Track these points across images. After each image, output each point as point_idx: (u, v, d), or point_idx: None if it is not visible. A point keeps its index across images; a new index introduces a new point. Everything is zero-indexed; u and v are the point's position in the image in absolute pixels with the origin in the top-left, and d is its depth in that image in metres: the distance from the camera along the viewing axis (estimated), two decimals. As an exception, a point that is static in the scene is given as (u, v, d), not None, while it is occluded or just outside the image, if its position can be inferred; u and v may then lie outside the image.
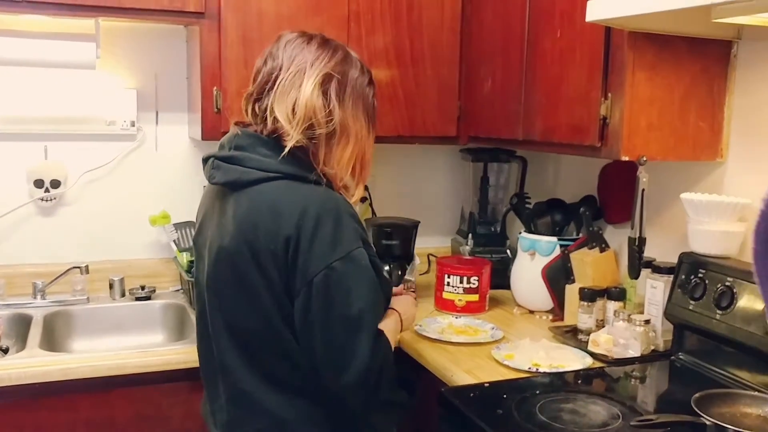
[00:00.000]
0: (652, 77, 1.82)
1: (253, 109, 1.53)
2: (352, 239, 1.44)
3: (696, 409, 1.46)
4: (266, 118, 1.48)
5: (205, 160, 1.57)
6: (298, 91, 1.46)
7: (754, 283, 1.66)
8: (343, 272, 1.41)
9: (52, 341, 2.23)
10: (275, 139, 1.48)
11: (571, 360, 1.91)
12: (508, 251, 2.72)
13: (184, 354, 1.97)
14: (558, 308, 2.33)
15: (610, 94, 1.85)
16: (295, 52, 1.50)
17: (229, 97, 2.24)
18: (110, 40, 2.43)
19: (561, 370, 1.85)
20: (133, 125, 2.50)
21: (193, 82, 2.44)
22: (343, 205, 1.47)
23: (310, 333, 1.43)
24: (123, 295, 2.47)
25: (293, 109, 1.45)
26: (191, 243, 2.53)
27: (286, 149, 1.44)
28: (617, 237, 2.36)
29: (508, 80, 2.27)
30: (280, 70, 1.49)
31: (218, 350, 1.53)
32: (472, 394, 1.68)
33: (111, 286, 2.46)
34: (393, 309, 1.67)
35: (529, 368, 1.85)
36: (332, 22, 2.31)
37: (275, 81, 1.48)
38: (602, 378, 1.83)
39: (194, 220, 2.51)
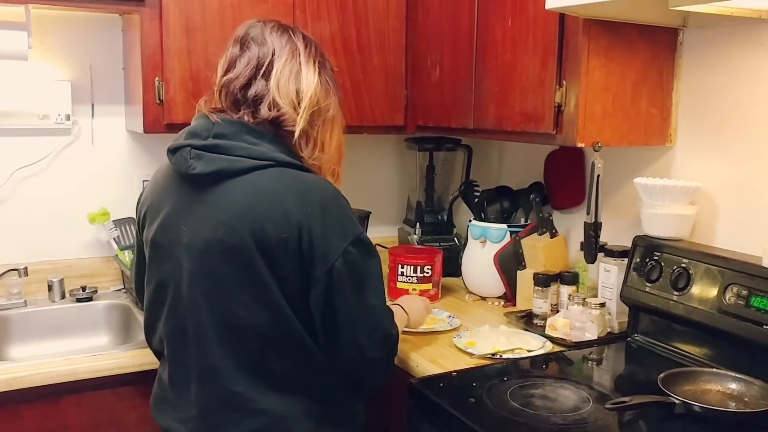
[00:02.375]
0: (606, 64, 1.85)
1: (239, 96, 1.47)
2: (356, 223, 1.48)
3: (663, 389, 1.50)
4: (259, 105, 1.45)
5: (174, 150, 1.47)
6: (298, 78, 1.46)
7: (708, 264, 1.72)
8: (357, 255, 1.44)
9: (-12, 349, 2.11)
10: (266, 127, 1.45)
11: (532, 345, 1.93)
12: (455, 239, 2.74)
13: (138, 356, 1.90)
14: (510, 294, 2.35)
15: (564, 82, 1.87)
16: (284, 38, 1.49)
17: (172, 87, 2.16)
18: (41, 29, 2.31)
19: (523, 355, 1.87)
20: (68, 119, 2.38)
21: (131, 73, 2.34)
22: (338, 191, 1.48)
23: (335, 317, 1.43)
24: (63, 296, 2.36)
25: (298, 96, 1.45)
26: (133, 241, 2.45)
27: (296, 136, 1.45)
28: (565, 222, 2.41)
29: (457, 68, 2.26)
30: (273, 55, 1.46)
31: (201, 353, 1.45)
32: (441, 384, 1.68)
33: (50, 288, 2.34)
34: (397, 304, 1.80)
35: (493, 355, 1.86)
36: (278, 9, 2.25)
37: (270, 67, 1.45)
38: (564, 362, 1.86)
39: (133, 216, 2.47)
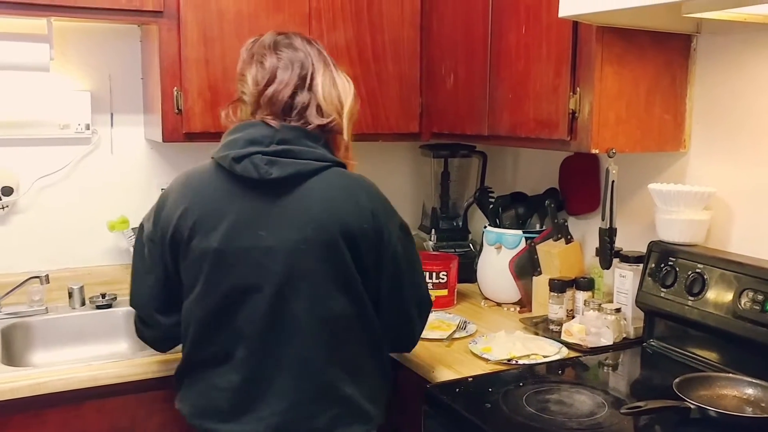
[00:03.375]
0: (619, 71, 1.86)
1: (288, 104, 1.55)
2: (396, 211, 1.68)
3: (679, 394, 1.51)
4: (306, 111, 1.55)
5: (240, 158, 1.50)
6: (336, 86, 1.59)
7: (723, 269, 1.73)
8: (406, 239, 1.66)
9: (10, 355, 2.13)
10: (316, 131, 1.56)
11: (547, 350, 1.94)
12: (471, 245, 2.75)
13: (157, 363, 1.92)
14: (526, 300, 2.36)
15: (578, 89, 1.88)
16: (314, 49, 1.61)
17: (190, 97, 2.19)
18: (62, 41, 2.35)
19: (539, 361, 1.88)
20: (88, 128, 2.42)
21: (149, 83, 2.38)
22: None
23: (400, 297, 1.64)
24: (83, 303, 2.39)
25: (340, 103, 1.59)
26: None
27: (346, 139, 1.61)
28: (580, 228, 2.41)
29: (471, 76, 2.28)
30: (313, 65, 1.58)
31: (296, 349, 1.53)
32: (457, 389, 1.69)
33: (70, 295, 2.37)
34: None
35: (509, 360, 1.87)
36: (293, 19, 2.28)
37: (313, 76, 1.57)
38: (580, 367, 1.87)
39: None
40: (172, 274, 1.60)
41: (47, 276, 2.30)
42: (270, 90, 1.55)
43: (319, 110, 1.56)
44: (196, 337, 1.59)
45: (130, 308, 2.32)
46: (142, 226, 1.67)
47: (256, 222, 1.52)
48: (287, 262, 1.51)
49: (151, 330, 1.72)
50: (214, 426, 1.57)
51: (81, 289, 2.39)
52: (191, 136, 2.22)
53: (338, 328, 1.56)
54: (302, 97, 1.55)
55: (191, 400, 1.63)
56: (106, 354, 2.25)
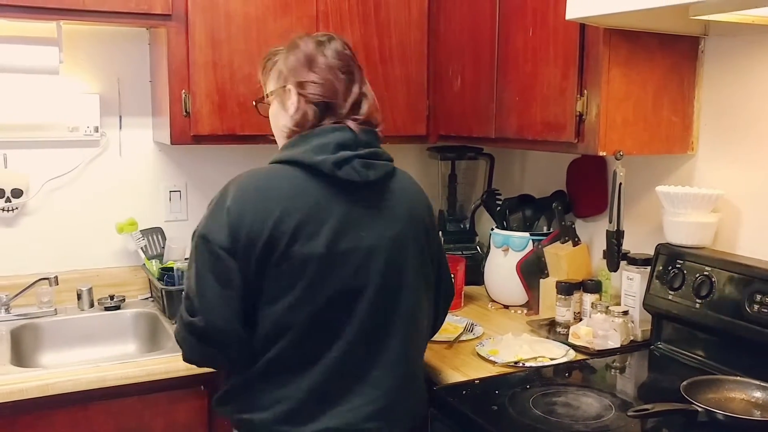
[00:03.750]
0: (626, 73, 1.86)
1: (358, 106, 1.60)
2: None
3: (687, 397, 1.50)
4: (370, 115, 1.61)
5: (340, 163, 1.51)
6: (369, 89, 1.65)
7: (731, 272, 1.72)
8: None
9: (19, 356, 2.15)
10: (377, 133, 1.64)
11: (554, 353, 1.94)
12: (478, 247, 2.75)
13: (165, 364, 1.93)
14: (533, 302, 2.36)
15: (586, 91, 1.88)
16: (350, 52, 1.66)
17: (198, 100, 2.20)
18: (70, 44, 2.36)
19: (546, 363, 1.88)
20: (97, 131, 2.43)
21: (158, 86, 2.39)
22: None
23: (444, 287, 1.80)
24: (92, 305, 2.40)
25: (376, 106, 1.65)
26: (159, 250, 2.49)
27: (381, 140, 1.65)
28: (587, 230, 2.41)
29: (478, 78, 2.28)
30: (360, 69, 1.64)
31: (392, 343, 1.58)
32: (464, 392, 1.70)
33: (79, 297, 2.39)
34: None
35: (516, 363, 1.87)
36: (301, 22, 2.28)
37: (362, 79, 1.63)
38: (587, 370, 1.87)
39: (160, 226, 2.52)
40: (252, 285, 1.50)
41: (56, 277, 2.32)
42: (351, 96, 1.59)
43: (374, 115, 1.63)
44: (287, 344, 1.52)
45: (138, 310, 2.40)
46: (205, 238, 1.49)
47: (357, 224, 1.55)
48: (387, 261, 1.57)
49: (224, 349, 1.53)
50: (304, 428, 1.54)
51: (90, 290, 2.41)
52: (199, 139, 2.23)
53: (420, 318, 1.67)
54: (365, 101, 1.61)
55: (272, 407, 1.54)
56: (114, 355, 2.27)
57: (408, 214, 1.63)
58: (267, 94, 1.69)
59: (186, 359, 1.59)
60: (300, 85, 1.58)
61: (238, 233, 1.47)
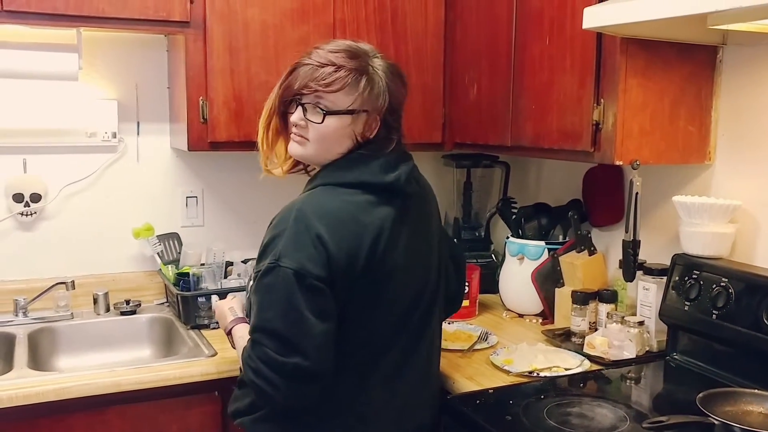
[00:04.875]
0: (643, 83, 1.85)
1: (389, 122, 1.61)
2: None
3: (703, 409, 1.49)
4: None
5: (408, 179, 1.58)
6: None
7: (749, 283, 1.71)
8: None
9: (36, 359, 2.17)
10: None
11: (569, 363, 1.93)
12: (493, 256, 2.74)
13: (180, 369, 1.94)
14: (548, 311, 2.35)
15: (602, 100, 1.87)
16: None
17: (215, 107, 2.21)
18: (89, 50, 2.38)
19: (560, 373, 1.87)
20: (115, 136, 2.46)
21: (176, 92, 2.41)
22: None
23: (462, 281, 1.91)
24: (108, 309, 2.42)
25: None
26: (175, 256, 2.51)
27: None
28: (603, 240, 2.40)
29: (494, 87, 2.28)
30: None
31: (433, 342, 1.70)
32: (478, 401, 1.69)
33: (95, 301, 2.40)
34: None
35: (530, 373, 1.86)
36: (318, 30, 2.29)
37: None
38: (602, 380, 1.86)
39: (177, 231, 2.54)
40: (341, 312, 1.49)
41: (73, 282, 2.34)
42: (400, 109, 1.62)
43: (393, 123, 1.63)
44: (365, 359, 1.55)
45: (153, 315, 2.42)
46: (300, 274, 1.42)
47: (417, 235, 1.62)
48: (438, 271, 1.69)
49: (315, 382, 1.46)
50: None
51: (106, 295, 2.42)
52: (216, 145, 2.24)
53: (440, 326, 1.77)
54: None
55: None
56: (130, 360, 2.28)
57: (436, 220, 1.76)
58: (337, 111, 1.52)
59: (268, 401, 1.49)
60: (390, 111, 1.58)
61: (336, 262, 1.44)
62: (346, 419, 1.56)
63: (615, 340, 1.96)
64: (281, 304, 1.42)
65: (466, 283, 2.06)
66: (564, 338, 2.13)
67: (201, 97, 2.21)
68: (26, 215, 2.38)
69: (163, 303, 2.53)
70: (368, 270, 1.48)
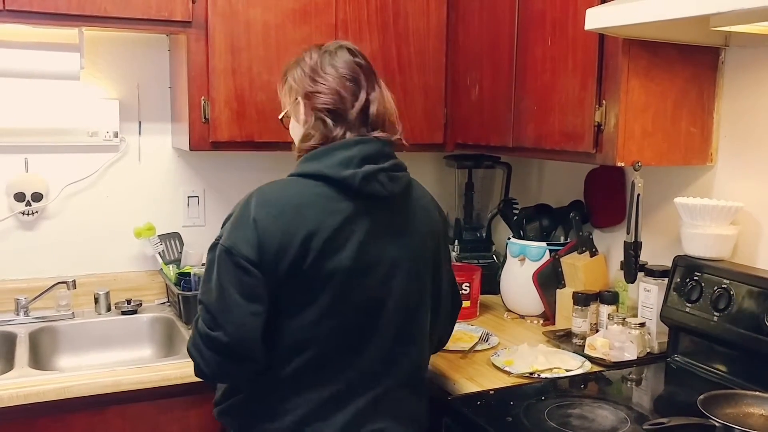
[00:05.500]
0: (645, 84, 1.85)
1: (381, 118, 1.59)
2: None
3: (704, 411, 1.48)
4: (387, 126, 1.60)
5: (369, 177, 1.51)
6: (392, 102, 1.64)
7: (750, 285, 1.71)
8: None
9: (37, 359, 2.17)
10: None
11: (570, 364, 1.93)
12: (494, 257, 2.74)
13: (180, 369, 1.94)
14: (549, 312, 2.35)
15: (604, 101, 1.87)
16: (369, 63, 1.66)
17: (217, 106, 2.21)
18: (91, 50, 2.39)
19: (561, 375, 1.87)
20: (116, 136, 2.46)
21: (177, 92, 2.41)
22: None
23: (454, 296, 1.82)
24: (109, 309, 2.42)
25: (398, 119, 1.65)
26: (176, 255, 2.51)
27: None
28: (605, 241, 2.40)
29: (496, 87, 2.28)
30: (379, 79, 1.64)
31: (407, 348, 1.62)
32: (479, 402, 1.69)
33: (96, 301, 2.41)
34: None
35: (531, 374, 1.86)
36: (320, 30, 2.29)
37: (385, 95, 1.62)
38: (603, 382, 1.85)
39: (178, 231, 2.53)
40: (274, 299, 1.50)
41: (74, 281, 2.34)
42: (372, 107, 1.58)
43: (392, 125, 1.62)
44: (309, 356, 1.52)
45: (154, 315, 2.42)
46: (229, 252, 1.47)
47: (381, 237, 1.55)
48: (408, 273, 1.59)
49: (247, 365, 1.52)
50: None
51: (107, 294, 2.42)
52: (218, 145, 2.24)
53: (425, 330, 1.68)
54: (385, 112, 1.61)
55: (282, 418, 1.55)
56: (131, 359, 2.29)
57: (426, 227, 1.66)
58: (285, 111, 1.70)
59: (199, 373, 1.55)
60: (307, 96, 1.59)
61: (266, 248, 1.46)
62: (295, 416, 1.54)
63: (616, 341, 1.95)
64: (214, 280, 1.49)
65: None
66: (565, 339, 2.13)
67: (203, 97, 2.21)
68: (28, 214, 2.38)
69: (164, 303, 2.53)
70: (301, 262, 1.48)
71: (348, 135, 1.56)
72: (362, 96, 1.57)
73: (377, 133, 1.57)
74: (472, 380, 1.85)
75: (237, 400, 1.61)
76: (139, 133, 2.52)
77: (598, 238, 2.38)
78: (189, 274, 2.33)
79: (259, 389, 1.57)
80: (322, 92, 1.57)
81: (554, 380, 1.83)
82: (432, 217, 1.70)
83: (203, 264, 2.38)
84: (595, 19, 1.65)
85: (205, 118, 2.21)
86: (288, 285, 1.49)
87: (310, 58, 1.62)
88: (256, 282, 1.47)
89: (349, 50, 1.62)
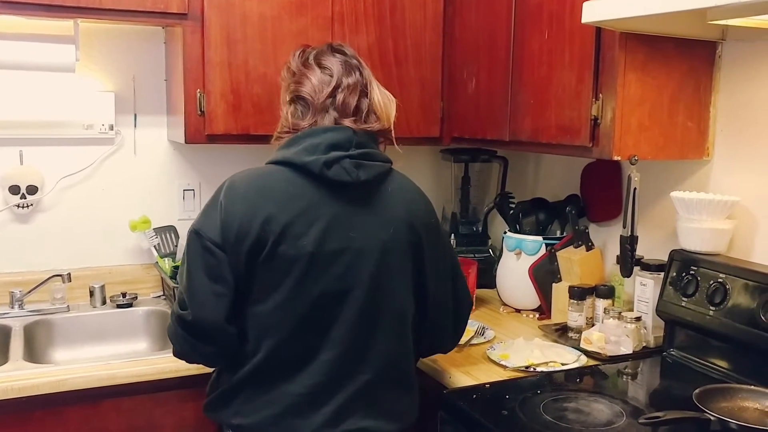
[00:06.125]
0: (642, 78, 1.85)
1: (356, 107, 1.60)
2: None
3: (699, 405, 1.49)
4: (368, 116, 1.61)
5: (330, 163, 1.52)
6: (384, 96, 1.66)
7: (746, 279, 1.71)
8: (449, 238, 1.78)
9: (32, 352, 2.16)
10: (376, 135, 1.64)
11: (566, 358, 1.93)
12: (490, 251, 2.74)
13: (176, 362, 1.91)
14: (545, 306, 2.35)
15: (601, 95, 1.87)
16: (360, 60, 1.67)
17: (213, 99, 2.20)
18: (86, 42, 2.37)
19: (557, 368, 1.87)
20: (112, 129, 2.45)
21: (173, 85, 2.40)
22: None
23: (455, 282, 1.74)
24: (104, 302, 2.42)
25: (389, 112, 1.65)
26: (171, 249, 2.50)
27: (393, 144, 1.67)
28: (601, 235, 2.40)
29: (493, 81, 2.28)
30: (370, 75, 1.66)
31: (379, 343, 1.58)
32: (474, 396, 1.69)
33: (91, 294, 2.40)
34: None
35: (526, 368, 1.86)
36: (317, 22, 2.29)
37: (368, 84, 1.64)
38: (599, 376, 1.86)
39: (173, 224, 2.53)
40: (240, 282, 1.53)
41: (69, 274, 2.34)
42: (340, 94, 1.59)
43: (375, 116, 1.62)
44: (276, 344, 1.53)
45: (150, 308, 2.41)
46: (197, 233, 1.53)
47: (346, 224, 1.55)
48: (378, 262, 1.56)
49: (212, 345, 1.56)
50: (295, 431, 1.55)
51: (102, 288, 2.42)
52: (213, 138, 2.24)
53: (407, 321, 1.64)
54: (364, 102, 1.61)
55: (259, 412, 1.56)
56: (126, 352, 2.28)
57: (406, 217, 1.61)
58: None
59: (175, 353, 1.63)
60: (287, 88, 1.66)
61: (228, 230, 1.50)
62: (273, 410, 1.55)
63: (612, 335, 1.96)
64: (185, 263, 1.56)
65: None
66: (561, 333, 2.13)
67: (198, 90, 2.20)
68: (22, 207, 2.37)
69: (159, 296, 2.52)
70: (261, 245, 1.50)
71: (321, 123, 1.59)
72: (334, 84, 1.59)
73: (349, 122, 1.58)
74: (468, 374, 1.85)
75: (216, 395, 1.63)
76: (135, 126, 2.51)
77: (594, 232, 2.38)
78: (184, 267, 2.32)
79: (236, 383, 1.58)
80: (296, 82, 1.63)
81: (550, 374, 1.83)
82: (414, 208, 1.65)
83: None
84: (592, 12, 1.65)
85: (200, 110, 2.20)
86: (252, 268, 1.52)
87: (294, 56, 1.69)
88: (220, 263, 1.51)
89: (331, 46, 1.67)
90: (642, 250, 2.02)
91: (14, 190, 2.35)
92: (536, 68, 2.08)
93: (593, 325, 2.10)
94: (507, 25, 2.20)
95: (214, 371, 1.69)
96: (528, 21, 2.11)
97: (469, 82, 2.40)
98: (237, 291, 1.53)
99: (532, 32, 2.09)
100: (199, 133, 2.22)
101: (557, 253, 2.32)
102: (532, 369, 1.86)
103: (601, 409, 1.60)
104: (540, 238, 2.38)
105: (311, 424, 1.54)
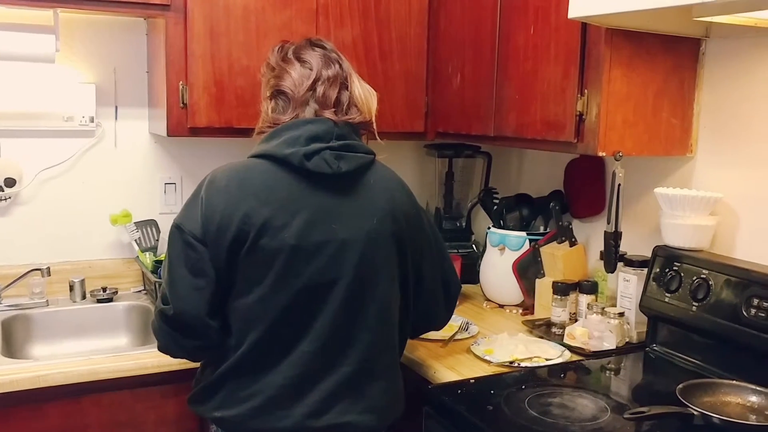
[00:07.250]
0: (627, 74, 1.85)
1: (337, 99, 1.61)
2: None
3: (683, 400, 1.49)
4: (349, 109, 1.62)
5: (310, 155, 1.52)
6: (364, 89, 1.66)
7: (729, 275, 1.72)
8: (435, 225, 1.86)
9: (10, 347, 2.14)
10: (358, 127, 1.64)
11: (550, 353, 1.93)
12: (474, 246, 2.74)
13: (158, 357, 1.90)
14: (528, 302, 2.35)
15: (586, 91, 1.87)
16: (341, 55, 1.68)
17: (195, 92, 2.18)
18: (67, 32, 2.34)
19: (541, 364, 1.87)
20: (92, 121, 2.41)
21: (155, 77, 2.37)
22: None
23: (443, 267, 1.77)
24: (84, 297, 2.39)
25: (370, 105, 1.66)
26: (152, 243, 2.48)
27: (376, 137, 1.68)
28: (584, 231, 2.40)
29: (478, 76, 2.27)
30: (349, 69, 1.66)
31: (363, 334, 1.57)
32: (459, 391, 1.68)
33: (71, 288, 2.37)
34: None
35: (511, 363, 1.86)
36: (301, 15, 2.27)
37: (348, 77, 1.64)
38: (582, 371, 1.86)
39: (155, 218, 2.50)
40: (222, 276, 1.53)
41: (48, 268, 2.30)
42: (320, 87, 1.59)
43: (356, 108, 1.62)
44: (259, 337, 1.53)
45: (130, 303, 2.39)
46: (179, 228, 1.54)
47: (329, 216, 1.55)
48: (361, 253, 1.56)
49: (194, 339, 1.57)
50: (276, 423, 1.54)
51: (82, 282, 2.39)
52: (196, 131, 2.21)
53: (392, 314, 1.64)
54: (345, 95, 1.62)
55: (241, 404, 1.55)
56: (106, 348, 2.26)
57: (388, 207, 1.62)
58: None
59: (159, 348, 1.63)
60: (267, 83, 1.67)
61: (209, 224, 1.51)
62: (257, 401, 1.55)
63: (595, 331, 1.96)
64: (168, 257, 1.57)
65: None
66: (544, 329, 2.13)
67: (181, 82, 2.17)
68: (1, 200, 2.33)
69: (140, 291, 2.50)
70: (243, 238, 1.50)
71: (302, 117, 1.59)
72: (314, 77, 1.60)
73: (329, 113, 1.58)
74: (453, 369, 1.85)
75: (200, 389, 1.62)
76: (116, 118, 2.48)
77: (578, 227, 2.39)
78: (166, 261, 2.30)
79: (219, 377, 1.57)
80: (276, 77, 1.64)
81: (534, 369, 1.83)
82: (396, 198, 1.65)
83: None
84: (578, 7, 1.64)
85: (183, 103, 2.18)
86: (234, 262, 1.52)
87: (273, 52, 1.69)
88: (201, 257, 1.52)
89: (311, 41, 1.68)
90: (625, 246, 2.03)
91: (-8, 182, 2.32)
92: (521, 63, 2.08)
93: (576, 320, 2.11)
94: (492, 20, 2.19)
95: (199, 365, 1.68)
96: (514, 15, 2.11)
97: (454, 76, 2.39)
98: (219, 285, 1.53)
99: (518, 27, 2.09)
100: (182, 125, 2.20)
101: (541, 249, 2.32)
102: (516, 364, 1.86)
103: (585, 404, 1.61)
104: (523, 233, 2.39)
105: (293, 416, 1.54)
